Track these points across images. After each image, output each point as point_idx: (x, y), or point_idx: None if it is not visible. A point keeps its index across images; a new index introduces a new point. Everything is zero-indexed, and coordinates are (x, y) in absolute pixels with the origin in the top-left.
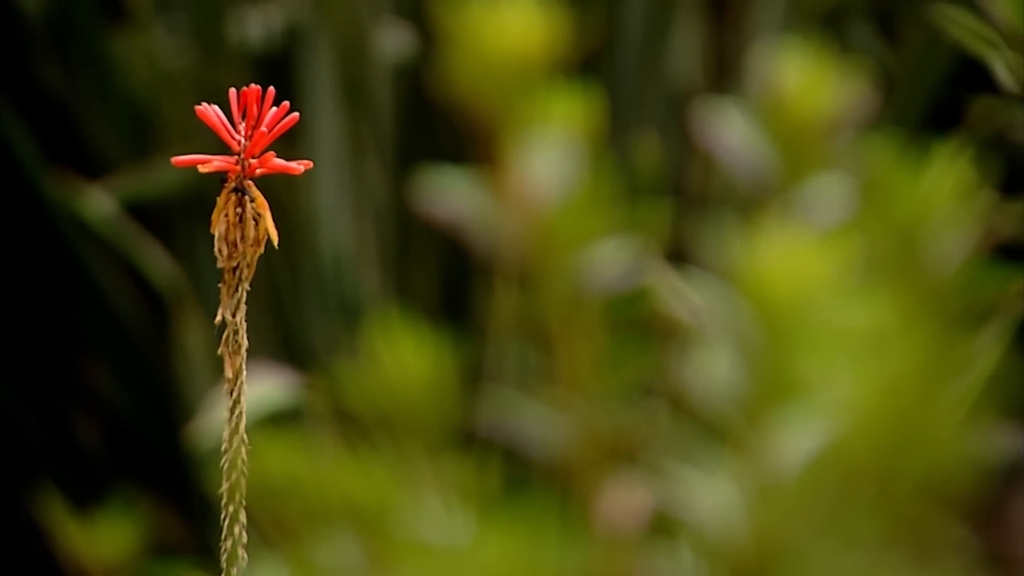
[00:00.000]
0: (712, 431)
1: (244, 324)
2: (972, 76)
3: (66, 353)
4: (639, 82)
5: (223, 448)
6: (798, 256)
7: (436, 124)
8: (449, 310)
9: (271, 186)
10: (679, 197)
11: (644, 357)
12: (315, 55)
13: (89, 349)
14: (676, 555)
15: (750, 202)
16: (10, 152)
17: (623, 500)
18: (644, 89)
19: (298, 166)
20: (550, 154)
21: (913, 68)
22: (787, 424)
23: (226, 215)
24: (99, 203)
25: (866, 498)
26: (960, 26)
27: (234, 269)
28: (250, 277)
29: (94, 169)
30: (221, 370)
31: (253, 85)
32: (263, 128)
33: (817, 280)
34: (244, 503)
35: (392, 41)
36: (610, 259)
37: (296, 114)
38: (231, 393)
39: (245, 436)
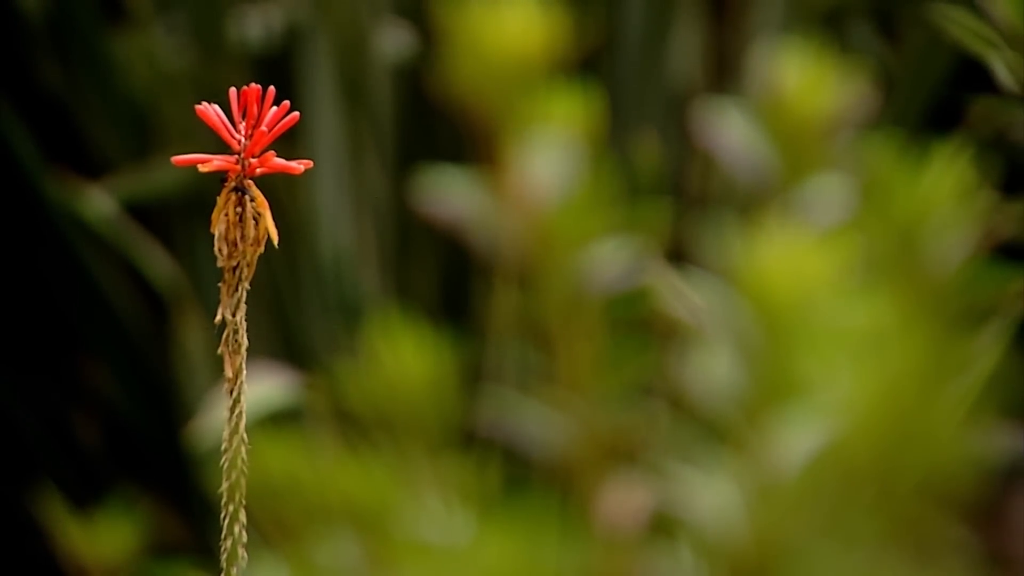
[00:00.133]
0: (712, 431)
1: (244, 324)
2: (972, 76)
3: (66, 353)
4: (639, 82)
5: (223, 448)
6: (798, 256)
7: (436, 124)
8: (449, 310)
9: (271, 186)
10: (679, 197)
11: (644, 357)
12: (315, 55)
13: (89, 349)
14: (676, 555)
15: (750, 202)
16: (10, 152)
17: (623, 500)
18: (644, 89)
19: (298, 166)
20: (550, 154)
21: (913, 68)
22: (787, 424)
23: (226, 214)
24: (99, 203)
25: (866, 498)
26: (960, 26)
27: (234, 268)
28: (250, 277)
29: (94, 169)
30: (221, 370)
31: (253, 85)
32: (263, 128)
33: (817, 280)
34: (244, 503)
35: (392, 41)
36: (610, 259)
37: (296, 114)
38: (231, 393)
39: (245, 436)
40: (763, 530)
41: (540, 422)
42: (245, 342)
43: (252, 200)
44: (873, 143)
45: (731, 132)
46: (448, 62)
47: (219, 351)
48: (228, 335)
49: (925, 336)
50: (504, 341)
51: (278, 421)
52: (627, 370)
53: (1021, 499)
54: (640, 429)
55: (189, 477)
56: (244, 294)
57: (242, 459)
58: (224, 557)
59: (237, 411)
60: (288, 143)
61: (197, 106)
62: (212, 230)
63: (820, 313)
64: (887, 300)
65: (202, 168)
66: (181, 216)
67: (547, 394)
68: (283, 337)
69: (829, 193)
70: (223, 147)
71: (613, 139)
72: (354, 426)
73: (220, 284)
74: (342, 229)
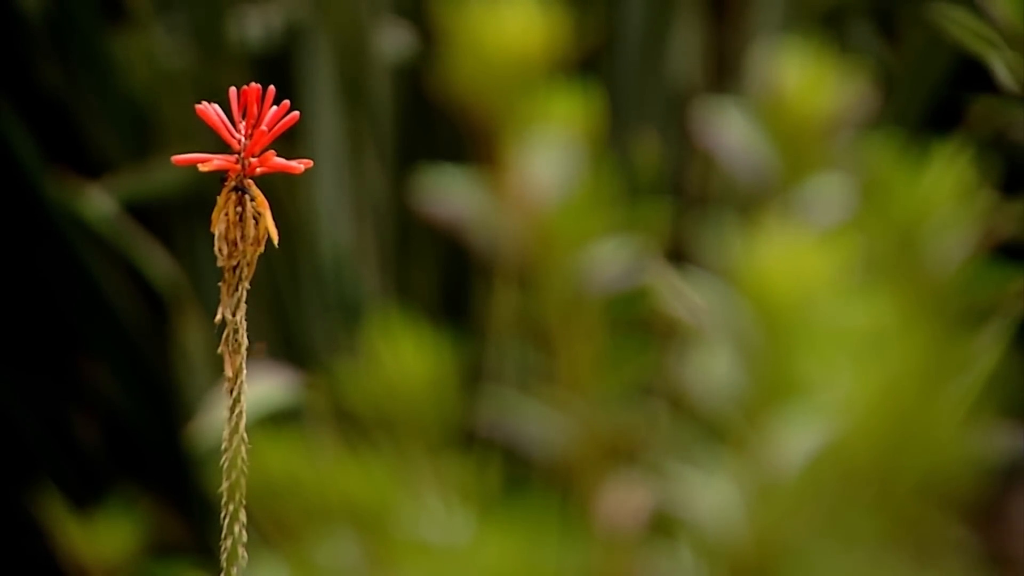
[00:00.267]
0: (712, 431)
1: (244, 323)
2: (972, 76)
3: (66, 353)
4: (639, 82)
5: (223, 448)
6: (798, 256)
7: (436, 124)
8: (449, 310)
9: (271, 185)
10: (679, 197)
11: (644, 357)
12: (315, 55)
13: (89, 349)
14: (676, 555)
15: (750, 202)
16: (10, 152)
17: (623, 500)
18: (644, 89)
19: (298, 165)
20: (550, 154)
21: (913, 68)
22: (787, 424)
23: (226, 214)
24: (99, 203)
25: (866, 498)
26: (960, 26)
27: (234, 268)
28: (250, 276)
29: (94, 169)
30: (221, 370)
31: (253, 85)
32: (263, 127)
33: (817, 280)
34: (244, 503)
35: (392, 41)
36: (610, 259)
37: (296, 113)
38: (231, 392)
39: (245, 436)
40: (763, 530)
41: (540, 422)
42: (245, 342)
43: (252, 200)
44: (873, 143)
45: (731, 132)
46: (448, 62)
47: (219, 351)
48: (228, 335)
49: (925, 336)
50: (504, 341)
51: (278, 421)
52: (627, 370)
53: (1021, 499)
54: (640, 429)
55: (189, 477)
56: (244, 294)
57: (242, 459)
58: (224, 557)
59: (237, 411)
60: (288, 143)
61: (197, 106)
62: (212, 230)
63: (820, 313)
64: (887, 300)
65: (202, 168)
66: (181, 216)
67: (547, 394)
68: (283, 337)
69: (829, 193)
70: (223, 147)
71: (613, 139)
72: (354, 426)
73: (220, 284)
74: (342, 229)
